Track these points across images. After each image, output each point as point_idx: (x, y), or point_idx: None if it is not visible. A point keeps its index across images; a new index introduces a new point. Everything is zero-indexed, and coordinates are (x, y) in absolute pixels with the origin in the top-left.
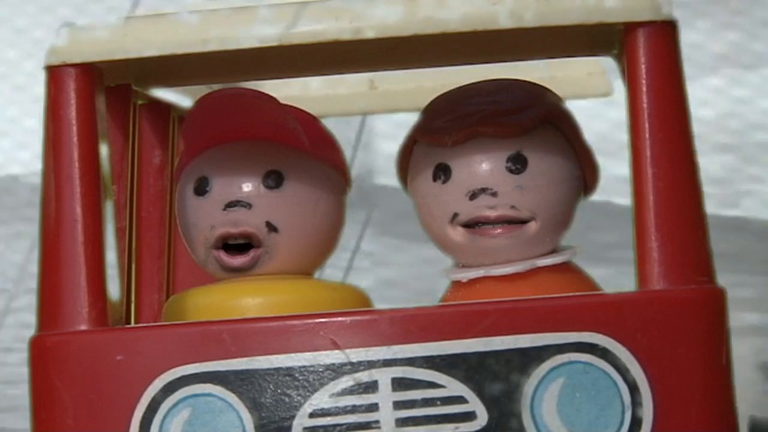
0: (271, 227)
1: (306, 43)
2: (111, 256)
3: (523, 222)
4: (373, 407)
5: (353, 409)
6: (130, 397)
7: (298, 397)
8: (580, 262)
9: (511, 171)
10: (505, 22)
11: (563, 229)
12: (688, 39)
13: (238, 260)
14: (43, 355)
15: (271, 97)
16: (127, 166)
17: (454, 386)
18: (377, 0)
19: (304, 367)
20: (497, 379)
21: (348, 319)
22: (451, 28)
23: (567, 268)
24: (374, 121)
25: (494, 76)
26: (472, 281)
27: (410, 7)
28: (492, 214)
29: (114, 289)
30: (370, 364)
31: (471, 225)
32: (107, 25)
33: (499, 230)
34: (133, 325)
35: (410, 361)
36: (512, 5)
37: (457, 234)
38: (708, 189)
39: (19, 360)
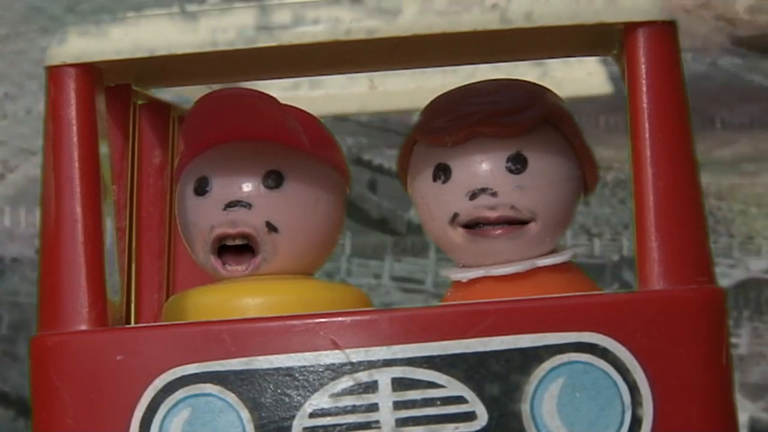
0: (271, 227)
1: (306, 43)
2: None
3: (524, 222)
4: (373, 407)
5: (353, 409)
6: (130, 397)
7: (298, 397)
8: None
9: (511, 171)
10: (504, 23)
11: (563, 229)
12: None
13: (236, 271)
14: (43, 355)
15: (271, 97)
16: (127, 166)
17: (454, 386)
18: (377, 0)
19: (304, 367)
20: (497, 379)
21: (348, 319)
22: (452, 29)
23: (567, 268)
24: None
25: (494, 76)
26: (472, 281)
27: (410, 7)
28: (492, 214)
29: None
30: (370, 364)
31: (471, 225)
32: (107, 25)
33: (499, 231)
34: (133, 325)
35: (410, 361)
36: (512, 6)
37: (457, 234)
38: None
39: None
